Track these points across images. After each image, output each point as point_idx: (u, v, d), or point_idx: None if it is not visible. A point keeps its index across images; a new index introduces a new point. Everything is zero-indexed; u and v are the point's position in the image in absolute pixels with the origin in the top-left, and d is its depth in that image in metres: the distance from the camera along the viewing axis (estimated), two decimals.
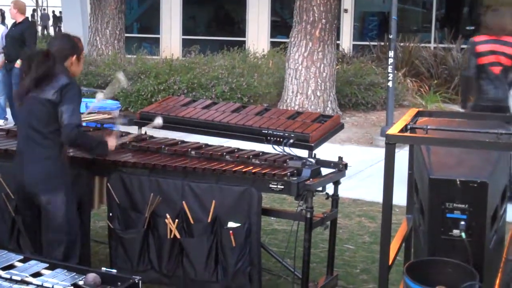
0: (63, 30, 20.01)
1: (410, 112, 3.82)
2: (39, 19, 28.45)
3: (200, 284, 4.05)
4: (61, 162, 3.90)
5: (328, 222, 4.19)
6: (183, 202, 3.97)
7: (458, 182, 3.15)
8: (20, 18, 10.15)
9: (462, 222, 3.16)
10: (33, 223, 3.98)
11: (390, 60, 9.73)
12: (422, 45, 14.88)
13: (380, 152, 8.73)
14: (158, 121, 4.44)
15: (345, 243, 5.47)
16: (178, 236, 4.00)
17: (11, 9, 10.23)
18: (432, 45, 15.77)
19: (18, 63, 9.90)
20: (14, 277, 2.46)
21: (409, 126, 3.50)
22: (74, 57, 4.00)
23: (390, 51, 9.78)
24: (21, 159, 3.87)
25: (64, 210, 3.85)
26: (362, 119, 11.67)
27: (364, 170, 7.93)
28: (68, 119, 3.76)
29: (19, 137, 3.96)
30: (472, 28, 17.32)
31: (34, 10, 27.96)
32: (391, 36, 9.75)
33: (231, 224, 3.90)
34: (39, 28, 27.48)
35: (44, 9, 29.25)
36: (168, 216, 3.99)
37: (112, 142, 4.11)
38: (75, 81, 3.93)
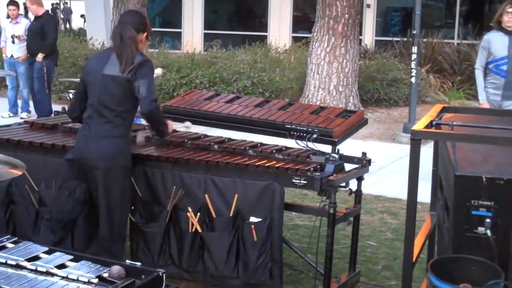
0: (86, 24, 20.10)
1: (435, 108, 3.79)
2: (61, 13, 28.60)
3: (221, 279, 4.05)
4: (128, 142, 4.00)
5: (351, 218, 4.16)
6: (206, 196, 3.97)
7: (484, 179, 3.11)
8: (40, 12, 10.19)
9: (488, 220, 3.11)
10: (68, 192, 4.00)
11: (414, 56, 9.65)
12: (445, 41, 14.76)
13: (403, 148, 8.76)
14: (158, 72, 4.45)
15: (367, 239, 5.44)
16: (199, 230, 4.00)
17: (29, 5, 10.25)
18: (455, 41, 15.64)
19: (39, 57, 9.97)
20: (39, 269, 2.47)
21: (434, 122, 3.47)
22: (145, 34, 4.04)
23: (413, 47, 9.71)
24: (88, 133, 3.91)
25: (121, 187, 3.92)
26: (384, 115, 11.61)
27: (386, 166, 7.89)
28: (146, 91, 3.82)
29: (91, 111, 3.95)
30: None
31: (53, 4, 28.10)
32: (414, 32, 9.68)
33: (253, 219, 3.90)
34: (61, 22, 27.65)
35: (66, 3, 29.38)
36: (190, 210, 3.99)
37: (170, 126, 4.21)
38: (148, 58, 3.98)
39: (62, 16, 28.65)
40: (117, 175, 3.91)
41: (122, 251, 4.07)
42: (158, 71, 4.37)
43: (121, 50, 3.89)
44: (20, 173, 3.14)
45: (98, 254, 3.41)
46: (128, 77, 3.84)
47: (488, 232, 3.10)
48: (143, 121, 5.28)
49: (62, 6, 29.54)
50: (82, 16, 25.89)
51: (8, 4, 10.94)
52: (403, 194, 6.36)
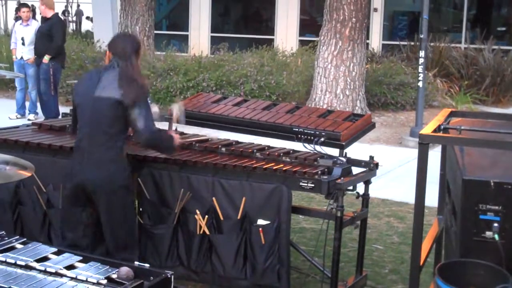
0: (93, 26, 20.15)
1: (443, 112, 3.79)
2: (70, 16, 28.68)
3: (229, 281, 4.06)
4: (123, 162, 3.89)
5: (359, 222, 4.17)
6: (213, 198, 3.98)
7: (492, 184, 3.11)
8: (49, 14, 10.25)
9: (495, 224, 3.11)
10: (75, 218, 3.99)
11: (421, 60, 9.65)
12: (453, 45, 14.75)
13: (409, 153, 8.75)
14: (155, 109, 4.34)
15: (374, 243, 5.44)
16: (207, 232, 4.01)
17: (39, 6, 10.33)
18: (462, 45, 15.62)
19: (46, 59, 10.01)
20: (48, 269, 2.48)
21: (442, 127, 3.47)
22: (135, 56, 3.93)
23: (420, 51, 9.71)
24: (83, 157, 3.83)
25: (123, 206, 3.87)
26: (391, 119, 11.60)
27: (393, 170, 7.88)
28: (144, 123, 3.75)
29: (81, 135, 3.88)
30: (504, 29, 17.17)
31: (66, 6, 28.20)
32: (422, 36, 9.68)
33: (260, 222, 3.91)
34: (73, 24, 27.73)
35: (79, 5, 29.45)
36: (198, 212, 4.00)
37: (177, 139, 4.05)
38: (143, 82, 3.91)
39: (74, 19, 28.73)
40: (117, 197, 3.84)
41: (136, 256, 4.02)
42: (154, 109, 4.22)
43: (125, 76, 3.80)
44: (29, 174, 3.16)
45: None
46: (120, 99, 3.74)
47: (496, 236, 3.11)
48: None
49: (75, 9, 29.62)
50: (88, 18, 25.94)
51: (20, 6, 10.99)
52: (410, 198, 6.42)
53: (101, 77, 3.85)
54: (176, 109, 4.35)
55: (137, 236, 4.10)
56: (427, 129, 3.26)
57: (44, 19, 10.41)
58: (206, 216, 4.00)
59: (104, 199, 3.82)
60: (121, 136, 3.85)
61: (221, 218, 3.97)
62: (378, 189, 6.57)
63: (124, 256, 3.87)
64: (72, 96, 4.04)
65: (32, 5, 12.71)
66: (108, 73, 3.85)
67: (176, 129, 4.81)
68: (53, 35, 10.08)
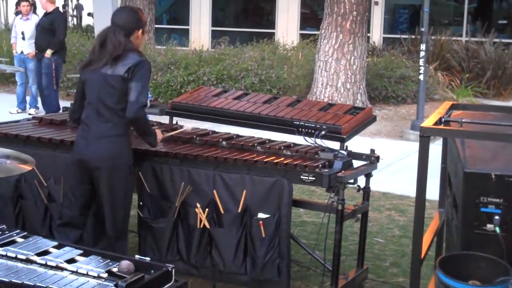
0: (93, 20, 20.13)
1: (444, 105, 3.78)
2: (70, 10, 28.66)
3: (229, 275, 4.05)
4: (128, 140, 3.94)
5: (360, 215, 4.16)
6: (214, 192, 3.97)
7: (493, 176, 3.10)
8: (50, 8, 10.24)
9: (497, 217, 3.11)
10: (74, 194, 4.01)
11: (422, 53, 9.64)
12: (454, 38, 14.72)
13: (410, 146, 8.75)
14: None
15: (375, 236, 5.44)
16: (207, 226, 4.00)
17: (40, 0, 10.31)
18: (463, 38, 15.59)
19: (48, 53, 10.01)
20: (49, 263, 2.48)
21: (443, 119, 3.46)
22: (140, 31, 3.96)
23: (421, 44, 9.69)
24: (87, 133, 3.87)
25: (124, 185, 3.91)
26: (392, 112, 11.59)
27: (394, 164, 7.88)
28: (136, 96, 3.76)
29: (87, 112, 3.91)
30: (505, 22, 17.13)
31: (65, 1, 28.16)
32: (423, 29, 9.66)
33: (261, 215, 3.90)
34: (74, 19, 27.70)
35: (78, 0, 29.43)
36: (198, 206, 3.99)
37: (159, 135, 4.08)
38: (146, 58, 3.92)
39: (74, 13, 28.70)
40: (119, 174, 3.88)
41: (126, 248, 4.08)
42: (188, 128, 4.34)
43: (101, 55, 3.83)
44: (29, 168, 3.16)
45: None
46: (124, 76, 3.78)
47: (497, 229, 3.10)
48: (150, 117, 5.30)
49: (74, 3, 29.59)
50: (89, 14, 25.90)
51: (20, 1, 10.98)
52: (410, 191, 6.42)
53: None
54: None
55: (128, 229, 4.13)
56: (428, 122, 3.26)
57: (45, 13, 10.39)
58: (207, 210, 3.99)
59: (107, 175, 3.84)
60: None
61: (222, 212, 3.97)
62: (379, 182, 6.57)
63: (119, 246, 3.91)
64: (80, 77, 4.04)
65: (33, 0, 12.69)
66: None
67: (177, 123, 4.82)
68: (55, 30, 10.07)
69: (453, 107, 3.85)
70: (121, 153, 3.88)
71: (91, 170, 3.88)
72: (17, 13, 12.47)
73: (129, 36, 3.89)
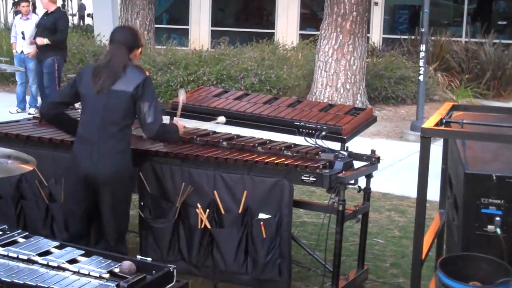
0: (93, 20, 20.14)
1: (445, 106, 3.79)
2: (70, 9, 28.68)
3: (230, 275, 4.05)
4: (130, 154, 3.97)
5: (360, 216, 4.16)
6: (215, 192, 3.97)
7: (494, 178, 3.11)
8: (52, 8, 10.22)
9: (497, 218, 3.11)
10: (79, 210, 4.02)
11: (422, 54, 9.64)
12: (453, 39, 14.73)
13: (410, 146, 8.75)
14: (222, 118, 4.41)
15: (375, 237, 5.44)
16: (208, 226, 4.01)
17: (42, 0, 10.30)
18: (463, 39, 15.60)
19: (44, 41, 9.97)
20: (51, 263, 2.48)
21: (444, 120, 3.47)
22: (139, 50, 4.07)
23: (421, 45, 9.69)
24: (92, 150, 3.85)
25: (126, 196, 4.00)
26: (391, 113, 11.60)
27: (393, 164, 7.89)
28: (153, 116, 3.83)
29: (91, 128, 3.89)
30: (505, 22, 17.13)
31: (63, 1, 28.19)
32: (422, 30, 9.66)
33: (262, 216, 3.90)
34: (76, 18, 27.72)
35: None
36: (199, 206, 3.99)
37: (181, 127, 4.12)
38: (149, 76, 3.98)
39: (74, 13, 28.75)
40: (123, 187, 3.95)
41: (127, 248, 4.14)
42: (222, 119, 4.34)
43: (109, 71, 3.88)
44: (30, 168, 3.16)
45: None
46: (134, 93, 3.83)
47: (498, 230, 3.11)
48: None
49: (77, 3, 29.66)
50: (89, 15, 25.94)
51: (19, 1, 10.96)
52: (410, 192, 6.42)
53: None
54: (183, 95, 4.42)
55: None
56: (429, 123, 3.26)
57: (46, 13, 10.38)
58: (208, 210, 3.99)
59: (112, 189, 3.88)
60: (130, 127, 3.96)
61: (223, 212, 3.97)
62: (379, 183, 6.56)
63: (121, 249, 3.93)
64: (75, 84, 4.01)
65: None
66: None
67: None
68: (58, 29, 10.05)
69: (453, 108, 3.86)
70: (127, 167, 3.95)
71: (97, 185, 3.90)
72: (16, 12, 12.47)
73: (130, 53, 3.97)
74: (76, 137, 3.99)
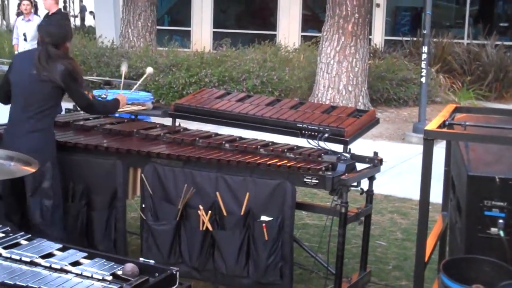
0: (95, 21, 20.15)
1: (448, 108, 3.78)
2: (71, 11, 28.70)
3: (231, 278, 4.04)
4: (51, 133, 4.19)
5: (362, 218, 4.16)
6: (217, 194, 3.97)
7: (497, 180, 3.10)
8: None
9: (501, 220, 3.10)
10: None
11: (424, 56, 9.64)
12: (455, 41, 14.72)
13: (412, 148, 8.74)
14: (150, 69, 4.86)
15: (377, 239, 5.43)
16: (210, 228, 4.00)
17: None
18: (465, 41, 15.59)
19: None
20: (53, 266, 2.47)
21: (447, 122, 3.46)
22: (68, 43, 4.26)
23: (424, 47, 9.69)
24: (15, 130, 4.10)
25: (51, 177, 4.08)
26: (394, 115, 11.59)
27: (396, 166, 7.87)
28: (85, 99, 4.22)
29: (15, 109, 4.15)
30: (506, 24, 17.13)
31: (65, 2, 28.21)
32: (425, 32, 9.66)
33: (264, 218, 3.90)
34: (77, 20, 27.73)
35: (81, 0, 29.47)
36: (201, 208, 3.99)
37: (123, 98, 4.57)
38: (67, 63, 4.13)
39: (75, 14, 28.77)
40: (45, 167, 4.05)
41: (60, 236, 4.11)
42: (149, 70, 4.69)
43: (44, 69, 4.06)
44: (33, 170, 3.16)
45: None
46: (55, 82, 4.03)
47: (501, 232, 3.09)
48: (152, 119, 5.32)
49: (79, 4, 29.68)
50: (91, 13, 25.94)
51: (21, 1, 10.96)
52: (412, 194, 6.42)
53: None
54: (125, 66, 5.05)
55: (62, 216, 4.22)
56: (432, 125, 3.26)
57: (47, 14, 10.36)
58: (210, 212, 3.98)
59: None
60: (50, 110, 4.16)
61: (225, 214, 3.97)
62: (381, 185, 6.55)
63: (50, 232, 4.01)
64: (7, 72, 4.33)
65: (34, 0, 12.69)
66: None
67: (179, 124, 4.82)
68: None
69: (456, 110, 3.85)
70: (46, 145, 4.12)
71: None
72: (19, 14, 12.46)
73: (58, 45, 4.15)
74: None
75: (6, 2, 28.73)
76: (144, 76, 5.23)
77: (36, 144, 4.03)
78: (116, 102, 4.52)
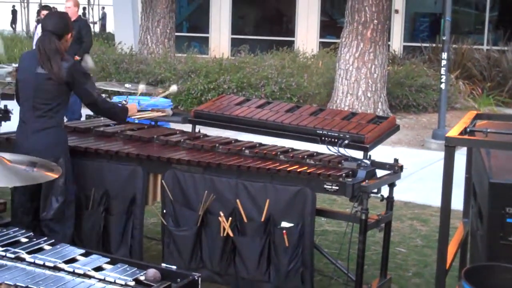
0: (113, 28, 20.28)
1: (469, 115, 3.77)
2: (91, 18, 28.92)
3: (252, 283, 4.05)
4: (62, 130, 4.20)
5: (383, 225, 4.15)
6: (237, 200, 3.98)
7: None
8: (74, 16, 10.29)
9: None
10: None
11: (443, 62, 9.60)
12: (475, 47, 14.65)
13: (432, 155, 8.71)
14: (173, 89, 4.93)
15: (397, 246, 5.41)
16: (231, 234, 4.01)
17: (71, 7, 10.32)
18: (484, 47, 15.51)
19: (76, 58, 10.06)
20: (76, 271, 2.50)
21: (468, 129, 3.45)
22: (69, 35, 4.24)
23: (443, 53, 9.66)
24: (26, 129, 4.10)
25: (64, 173, 4.04)
26: (413, 121, 11.55)
27: (415, 173, 7.84)
28: (90, 96, 4.18)
29: (24, 108, 4.15)
30: None
31: (84, 9, 28.45)
32: (444, 38, 9.62)
33: (284, 224, 3.90)
34: (97, 27, 27.94)
35: (103, 8, 29.69)
36: (221, 214, 4.00)
37: (133, 107, 4.60)
38: (71, 60, 4.17)
39: (95, 20, 29.00)
40: (58, 162, 4.03)
41: (70, 234, 4.18)
42: (173, 88, 4.71)
43: (43, 60, 4.05)
44: (55, 176, 3.19)
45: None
46: (63, 79, 4.02)
47: None
48: (172, 125, 5.35)
49: (96, 11, 29.92)
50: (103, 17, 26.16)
51: (41, 9, 11.05)
52: (432, 201, 6.39)
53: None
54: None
55: (73, 213, 4.23)
56: (453, 132, 3.25)
57: None
58: (230, 218, 3.99)
59: None
60: (61, 107, 4.15)
61: (245, 221, 3.97)
62: (401, 191, 6.50)
63: (59, 229, 4.07)
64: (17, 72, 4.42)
65: (54, 7, 12.80)
66: None
67: (199, 131, 4.84)
68: (82, 37, 10.11)
69: (477, 117, 3.84)
70: (58, 142, 4.13)
71: None
72: (38, 21, 12.57)
73: (59, 39, 4.14)
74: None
75: (26, 10, 29.00)
76: (167, 92, 5.24)
77: (48, 141, 4.07)
78: (124, 109, 4.51)
